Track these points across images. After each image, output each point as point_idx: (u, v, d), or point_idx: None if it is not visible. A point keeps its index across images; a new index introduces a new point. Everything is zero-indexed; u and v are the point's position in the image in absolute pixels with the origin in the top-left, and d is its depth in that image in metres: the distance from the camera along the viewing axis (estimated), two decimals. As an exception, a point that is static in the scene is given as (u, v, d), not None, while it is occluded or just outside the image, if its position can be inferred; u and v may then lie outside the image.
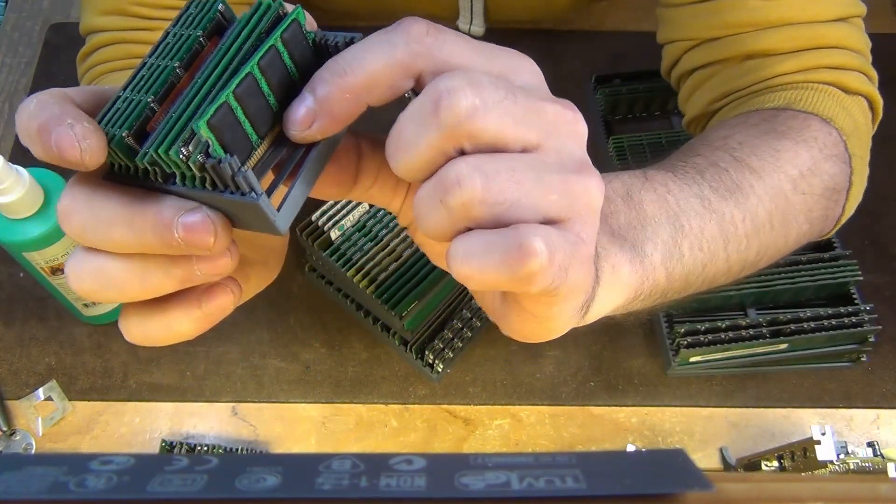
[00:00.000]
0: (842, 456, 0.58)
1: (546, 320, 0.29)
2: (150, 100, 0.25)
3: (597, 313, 0.34)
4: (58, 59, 0.79)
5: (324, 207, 0.61)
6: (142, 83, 0.26)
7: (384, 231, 0.62)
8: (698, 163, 0.44)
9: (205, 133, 0.24)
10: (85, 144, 0.24)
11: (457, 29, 0.76)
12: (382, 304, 0.58)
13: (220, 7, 0.26)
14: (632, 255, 0.35)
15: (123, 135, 0.25)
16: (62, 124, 0.24)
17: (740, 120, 0.50)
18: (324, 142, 0.27)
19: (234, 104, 0.24)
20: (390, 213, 0.63)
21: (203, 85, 0.25)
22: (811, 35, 0.51)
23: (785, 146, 0.46)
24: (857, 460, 0.58)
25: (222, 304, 0.29)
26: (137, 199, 0.26)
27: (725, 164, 0.44)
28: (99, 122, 0.25)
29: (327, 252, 0.60)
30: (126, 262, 0.27)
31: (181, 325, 0.29)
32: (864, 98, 0.52)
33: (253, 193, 0.24)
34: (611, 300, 0.34)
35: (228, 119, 0.24)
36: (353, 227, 0.61)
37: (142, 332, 0.29)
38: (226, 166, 0.23)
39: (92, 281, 0.27)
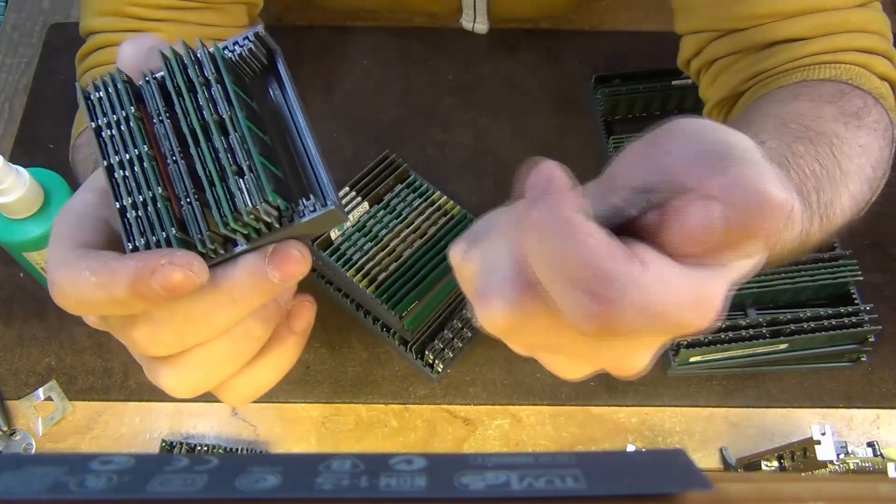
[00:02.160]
0: (842, 456, 0.58)
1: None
2: (160, 191, 0.25)
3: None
4: (58, 59, 0.79)
5: (324, 207, 0.61)
6: (131, 183, 0.26)
7: (384, 231, 0.62)
8: (810, 161, 0.43)
9: (275, 198, 0.25)
10: (195, 267, 0.24)
11: (455, 31, 0.76)
12: (382, 304, 0.58)
13: (125, 77, 0.26)
14: (800, 204, 0.36)
15: (174, 233, 0.25)
16: (158, 269, 0.24)
17: (816, 94, 0.49)
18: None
19: (263, 160, 0.25)
20: (390, 213, 0.63)
21: (202, 153, 0.25)
22: (837, 21, 0.51)
23: (867, 141, 0.46)
24: (857, 460, 0.58)
25: (309, 318, 0.29)
26: (214, 281, 0.25)
27: (829, 168, 0.43)
28: (135, 241, 0.25)
29: (327, 252, 0.60)
30: (226, 337, 0.27)
31: (286, 359, 0.29)
32: (888, 84, 0.52)
33: (326, 204, 0.25)
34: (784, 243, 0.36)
35: (270, 174, 0.25)
36: (353, 227, 0.61)
37: (252, 389, 0.29)
38: (301, 207, 0.25)
39: (200, 378, 0.27)
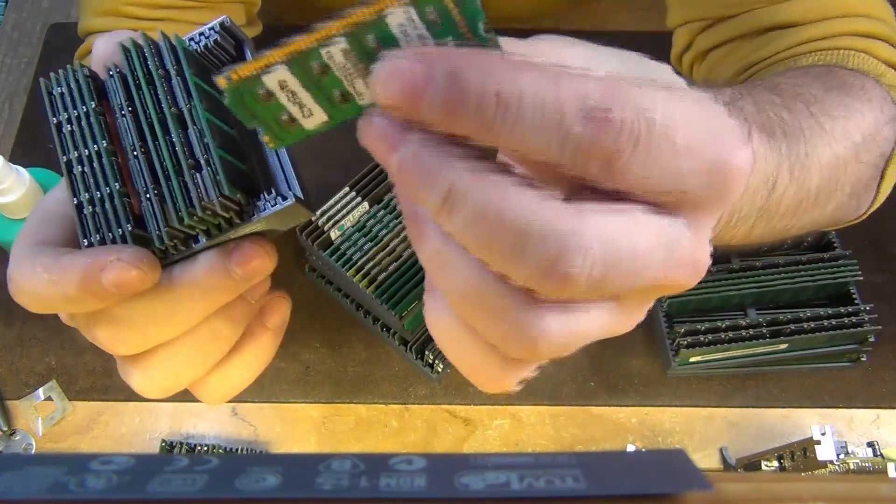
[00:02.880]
0: (842, 456, 0.58)
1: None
2: (117, 187, 0.25)
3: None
4: (58, 59, 0.79)
5: (324, 207, 0.61)
6: (89, 178, 0.25)
7: (384, 231, 0.62)
8: (778, 108, 0.40)
9: (234, 192, 0.24)
10: (144, 264, 0.23)
11: None
12: (382, 304, 0.58)
13: (87, 71, 0.26)
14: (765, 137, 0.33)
15: (130, 229, 0.24)
16: (107, 266, 0.23)
17: (800, 72, 0.46)
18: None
19: (222, 154, 0.24)
20: (390, 213, 0.63)
21: (160, 148, 0.25)
22: (834, 4, 0.48)
23: (853, 105, 0.43)
24: (857, 460, 0.58)
25: (283, 314, 0.29)
26: (174, 278, 0.25)
27: (802, 119, 0.40)
28: (91, 237, 0.25)
29: (327, 252, 0.60)
30: (191, 337, 0.26)
31: (261, 356, 0.28)
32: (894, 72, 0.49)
33: (287, 198, 0.24)
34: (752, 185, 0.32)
35: (230, 168, 0.24)
36: (353, 227, 0.61)
37: (227, 387, 0.28)
38: (261, 202, 0.24)
39: (169, 378, 0.26)
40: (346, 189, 0.64)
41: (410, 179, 0.19)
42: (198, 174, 0.24)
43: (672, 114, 0.20)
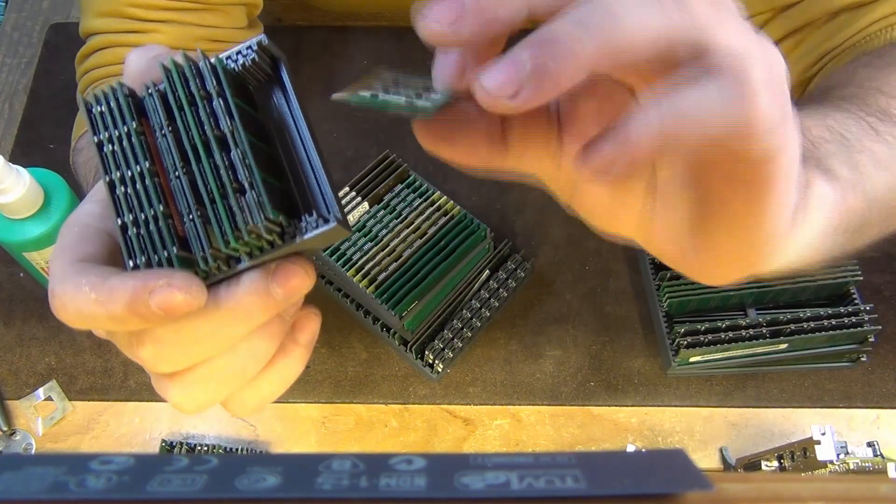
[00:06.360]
0: (842, 456, 0.58)
1: (757, 226, 0.24)
2: (161, 209, 0.25)
3: (805, 237, 0.28)
4: (58, 59, 0.79)
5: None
6: (132, 200, 0.25)
7: (384, 231, 0.62)
8: (850, 104, 0.38)
9: (276, 215, 0.24)
10: (192, 290, 0.24)
11: None
12: (382, 304, 0.58)
13: (126, 90, 0.26)
14: (822, 173, 0.30)
15: (175, 252, 0.25)
16: (156, 290, 0.24)
17: (872, 58, 0.44)
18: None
19: (265, 176, 0.25)
20: (390, 213, 0.63)
21: (203, 170, 0.25)
22: None
23: None
24: (857, 460, 0.58)
25: (314, 330, 0.29)
26: (218, 299, 0.25)
27: (881, 111, 0.38)
28: (137, 259, 0.25)
29: (327, 252, 0.60)
30: (230, 354, 0.26)
31: (291, 371, 0.29)
32: None
33: (329, 220, 0.25)
34: (817, 221, 0.29)
35: (271, 189, 0.25)
36: (353, 227, 0.61)
37: (257, 401, 0.29)
38: (304, 223, 0.25)
39: (207, 394, 0.27)
40: (346, 189, 0.64)
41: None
42: (242, 197, 0.24)
43: None
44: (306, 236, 0.25)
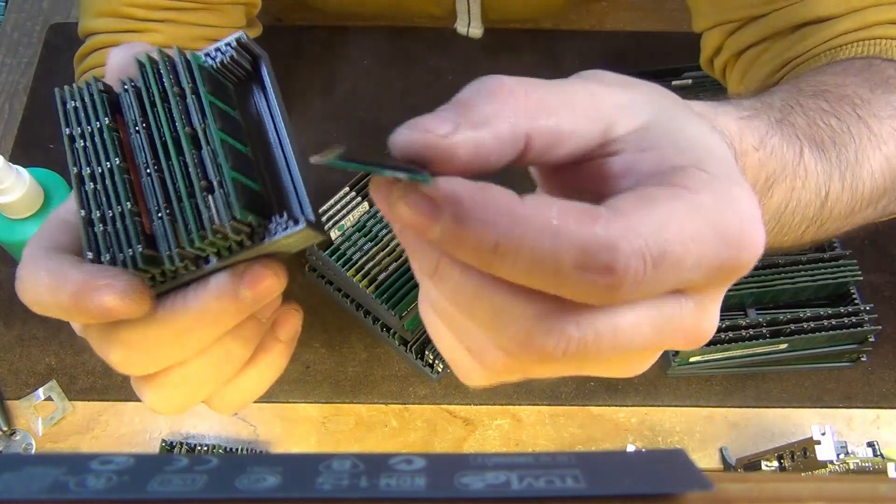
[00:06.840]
0: (842, 456, 0.58)
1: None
2: (129, 207, 0.25)
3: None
4: (58, 59, 0.79)
5: (324, 207, 0.61)
6: (101, 196, 0.25)
7: (384, 231, 0.62)
8: (827, 116, 0.39)
9: (245, 215, 0.24)
10: (132, 296, 0.23)
11: (454, 31, 0.76)
12: (382, 304, 0.58)
13: (101, 85, 0.26)
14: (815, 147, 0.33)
15: (140, 250, 0.24)
16: (98, 289, 0.23)
17: (841, 68, 0.45)
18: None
19: (235, 175, 0.24)
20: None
21: (173, 168, 0.24)
22: None
23: None
24: (857, 460, 0.58)
25: (295, 326, 0.29)
26: (185, 301, 0.25)
27: (851, 125, 0.39)
28: (98, 254, 0.25)
29: (327, 252, 0.60)
30: (203, 357, 0.26)
31: (273, 368, 0.29)
32: None
33: (299, 222, 0.24)
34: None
35: (243, 189, 0.24)
36: (353, 227, 0.61)
37: (239, 399, 0.29)
38: (273, 224, 0.24)
39: (182, 397, 0.27)
40: (346, 189, 0.64)
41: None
42: (210, 196, 0.24)
43: (682, 240, 0.21)
44: (275, 237, 0.24)
